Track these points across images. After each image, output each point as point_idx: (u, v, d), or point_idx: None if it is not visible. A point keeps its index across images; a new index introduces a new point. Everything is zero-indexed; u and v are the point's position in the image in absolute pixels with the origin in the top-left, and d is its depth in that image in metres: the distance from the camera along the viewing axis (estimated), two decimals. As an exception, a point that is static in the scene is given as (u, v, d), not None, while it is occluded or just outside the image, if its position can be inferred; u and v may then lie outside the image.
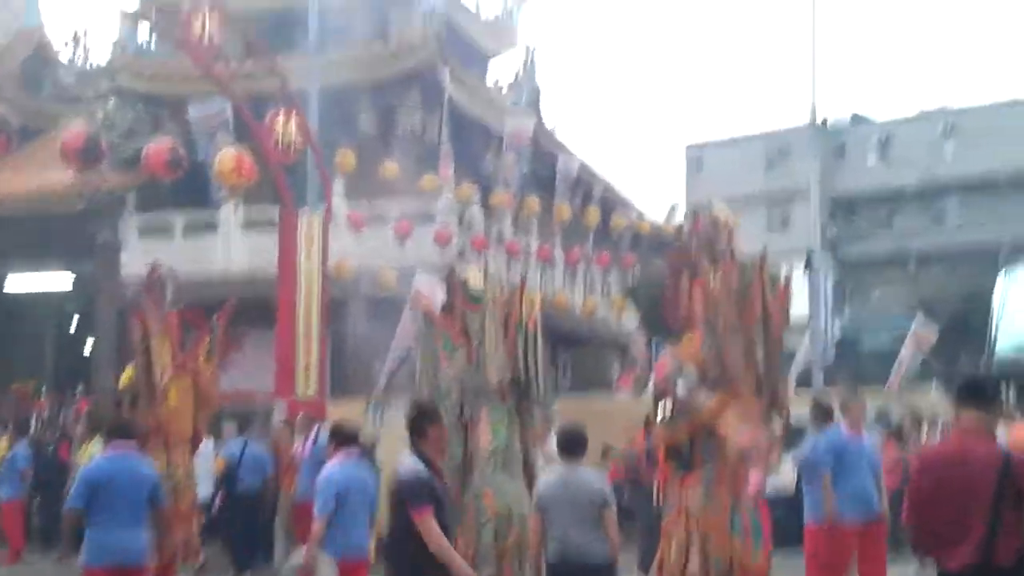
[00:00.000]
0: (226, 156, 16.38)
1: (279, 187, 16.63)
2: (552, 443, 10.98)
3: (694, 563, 8.24)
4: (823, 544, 9.91)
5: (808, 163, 49.86)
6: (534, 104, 23.13)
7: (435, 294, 16.81)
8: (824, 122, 54.32)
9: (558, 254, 22.52)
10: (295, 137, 16.71)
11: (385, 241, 18.86)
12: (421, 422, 6.75)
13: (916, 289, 42.06)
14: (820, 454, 9.96)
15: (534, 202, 20.97)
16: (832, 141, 51.79)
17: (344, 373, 18.55)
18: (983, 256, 41.79)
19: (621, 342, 24.68)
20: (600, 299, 23.51)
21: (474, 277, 11.10)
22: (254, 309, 15.31)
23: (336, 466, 7.76)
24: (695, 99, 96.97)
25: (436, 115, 20.58)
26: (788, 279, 9.65)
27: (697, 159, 55.30)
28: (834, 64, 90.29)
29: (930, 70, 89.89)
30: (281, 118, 16.62)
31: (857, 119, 52.38)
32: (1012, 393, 16.60)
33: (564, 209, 21.74)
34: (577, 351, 24.46)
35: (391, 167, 18.68)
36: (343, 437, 8.03)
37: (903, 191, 49.25)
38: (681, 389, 9.01)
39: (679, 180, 54.93)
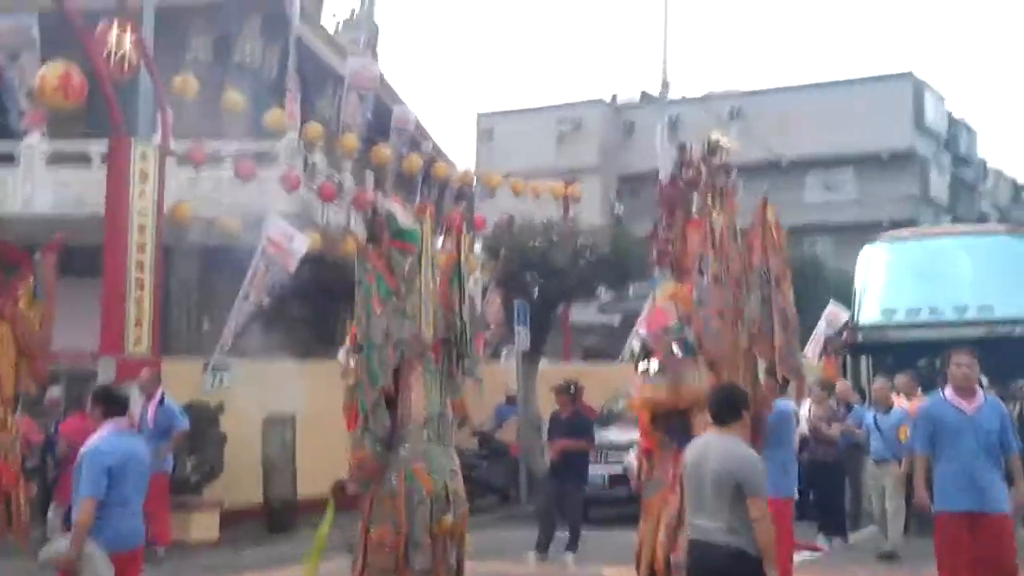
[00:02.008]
0: (51, 72, 13.94)
1: (110, 109, 14.33)
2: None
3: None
4: None
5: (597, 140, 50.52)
6: (371, 46, 21.34)
7: (292, 242, 15.05)
8: (614, 99, 54.95)
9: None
10: (130, 54, 14.53)
11: (222, 183, 16.67)
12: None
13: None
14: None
15: (383, 151, 19.18)
16: (622, 119, 52.66)
17: (174, 329, 16.41)
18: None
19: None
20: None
21: (400, 211, 9.52)
22: (62, 254, 13.03)
23: (105, 438, 6.57)
24: (490, 66, 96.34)
25: (276, 48, 18.56)
26: (778, 224, 8.45)
27: (488, 129, 54.53)
28: (626, 42, 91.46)
29: (719, 52, 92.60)
30: (115, 31, 14.39)
31: (646, 98, 53.02)
32: (870, 361, 16.59)
33: (415, 161, 20.08)
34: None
35: (234, 98, 16.49)
36: (112, 403, 6.86)
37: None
38: (676, 349, 7.83)
39: (470, 148, 54.05)
